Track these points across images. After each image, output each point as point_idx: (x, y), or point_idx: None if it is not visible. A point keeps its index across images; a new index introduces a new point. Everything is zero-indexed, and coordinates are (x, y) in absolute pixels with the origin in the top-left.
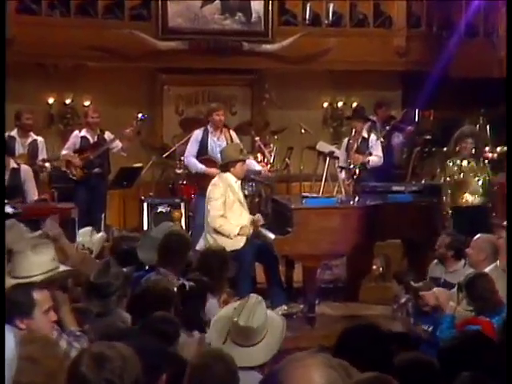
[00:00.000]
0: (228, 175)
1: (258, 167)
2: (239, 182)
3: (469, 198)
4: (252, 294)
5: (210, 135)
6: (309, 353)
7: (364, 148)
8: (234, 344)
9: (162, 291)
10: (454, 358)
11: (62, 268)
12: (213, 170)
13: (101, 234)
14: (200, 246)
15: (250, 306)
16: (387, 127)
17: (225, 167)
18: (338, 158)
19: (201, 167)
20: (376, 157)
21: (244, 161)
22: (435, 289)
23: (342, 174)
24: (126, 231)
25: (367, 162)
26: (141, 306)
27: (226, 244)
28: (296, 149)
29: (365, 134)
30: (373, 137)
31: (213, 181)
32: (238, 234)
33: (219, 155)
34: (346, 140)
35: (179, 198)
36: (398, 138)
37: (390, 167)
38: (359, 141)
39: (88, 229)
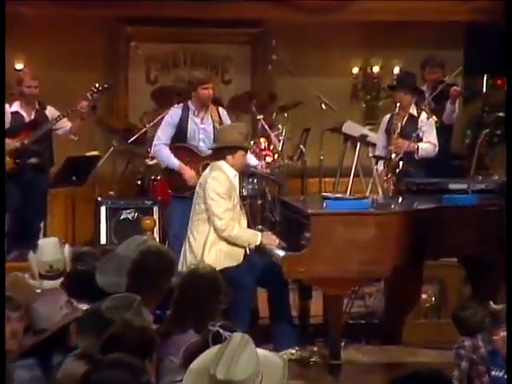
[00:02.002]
0: (225, 166)
1: (253, 160)
2: (237, 176)
3: None
4: (235, 334)
5: (191, 115)
6: None
7: (411, 131)
8: None
9: (136, 334)
10: None
11: None
12: (189, 172)
13: (67, 246)
14: (179, 266)
15: (232, 351)
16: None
17: (218, 154)
18: (373, 145)
19: (173, 162)
20: (428, 144)
21: (247, 151)
22: None
23: (379, 167)
24: (76, 246)
25: (416, 150)
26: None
27: (217, 262)
28: (314, 131)
29: (413, 111)
30: (424, 116)
31: (210, 172)
32: (260, 244)
33: (202, 144)
34: (385, 119)
35: (151, 199)
36: (452, 112)
37: (447, 157)
38: (404, 120)
39: (52, 240)
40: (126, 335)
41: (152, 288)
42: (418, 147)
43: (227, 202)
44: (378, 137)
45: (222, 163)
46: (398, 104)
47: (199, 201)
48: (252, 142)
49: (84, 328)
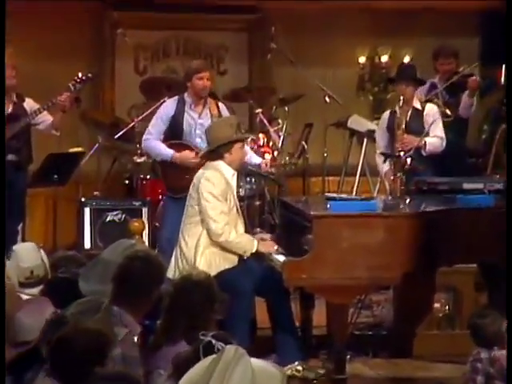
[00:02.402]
0: (222, 165)
1: (255, 158)
2: (236, 175)
3: None
4: (229, 347)
5: (187, 109)
6: None
7: (416, 125)
8: None
9: (88, 338)
10: None
11: None
12: (187, 155)
13: (42, 251)
14: (170, 271)
15: (225, 364)
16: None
17: (214, 154)
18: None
19: (167, 153)
20: (435, 138)
21: (243, 141)
22: None
23: (386, 165)
24: (58, 251)
25: (423, 145)
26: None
27: (211, 265)
28: (317, 126)
29: (417, 105)
30: (430, 108)
31: (204, 172)
32: (257, 251)
33: (199, 140)
34: (384, 116)
35: (140, 200)
36: (469, 106)
37: (461, 153)
38: (408, 115)
39: (29, 245)
40: (76, 338)
41: (139, 296)
42: (425, 142)
43: (223, 205)
44: (378, 135)
45: (218, 163)
46: (401, 97)
47: (192, 202)
48: (250, 139)
49: (48, 337)
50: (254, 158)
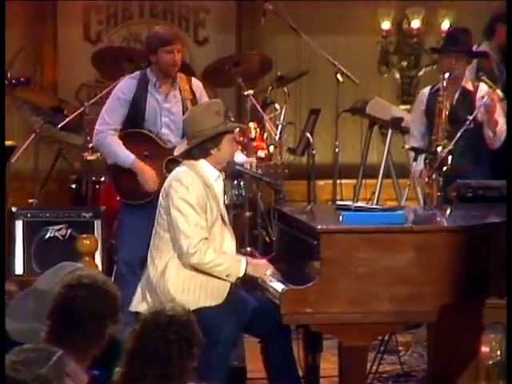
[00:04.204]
0: (203, 165)
1: (239, 156)
2: (222, 178)
3: None
4: None
5: (150, 89)
6: None
7: (465, 112)
8: None
9: None
10: None
11: None
12: (148, 173)
13: None
14: (137, 304)
15: None
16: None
17: (197, 152)
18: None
19: (125, 157)
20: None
21: (232, 132)
22: None
23: (418, 164)
24: None
25: (493, 136)
26: None
27: (186, 298)
28: (326, 113)
29: (467, 85)
30: (484, 89)
31: (177, 173)
32: (244, 274)
33: (165, 131)
34: (422, 95)
35: (91, 210)
36: None
37: None
38: (456, 97)
39: None
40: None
41: (85, 336)
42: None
43: (200, 216)
44: (412, 121)
45: (199, 162)
46: (446, 74)
47: (163, 213)
48: (237, 130)
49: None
50: (237, 156)
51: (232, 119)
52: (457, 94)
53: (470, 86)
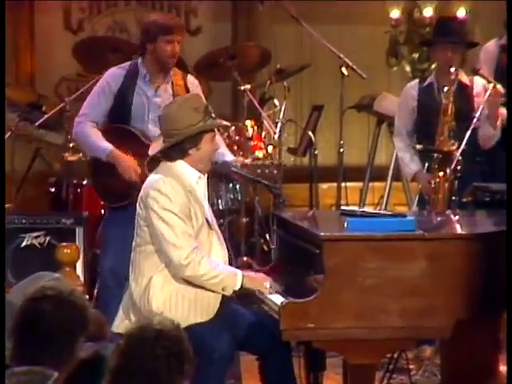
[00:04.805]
0: (181, 166)
1: (227, 155)
2: (204, 180)
3: None
4: None
5: (140, 82)
6: None
7: (466, 108)
8: None
9: None
10: None
11: None
12: (128, 161)
13: None
14: (120, 323)
15: None
16: None
17: (174, 152)
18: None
19: (103, 147)
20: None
21: (213, 131)
22: None
23: (415, 165)
24: None
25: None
26: None
27: (174, 314)
28: (330, 110)
29: (463, 78)
30: (479, 83)
31: (154, 180)
32: (241, 288)
33: (153, 127)
34: (411, 86)
35: (73, 215)
36: None
37: None
38: (452, 90)
39: None
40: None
41: (52, 355)
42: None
43: (186, 224)
44: (398, 118)
45: (176, 164)
46: (452, 69)
47: (142, 224)
48: (232, 128)
49: None
50: (225, 156)
51: (213, 115)
52: (453, 87)
53: (465, 80)
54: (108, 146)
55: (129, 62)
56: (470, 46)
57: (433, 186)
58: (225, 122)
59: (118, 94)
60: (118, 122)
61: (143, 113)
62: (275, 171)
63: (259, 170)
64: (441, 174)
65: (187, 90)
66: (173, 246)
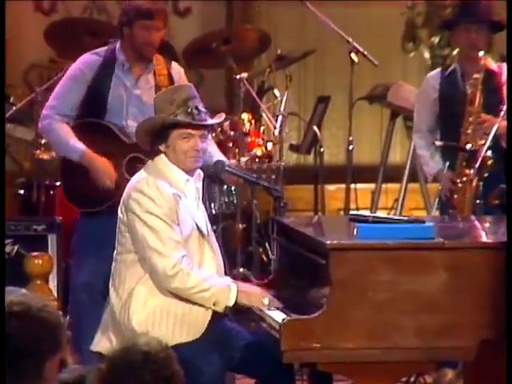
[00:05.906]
0: (166, 165)
1: (216, 154)
2: (196, 180)
3: None
4: None
5: (118, 71)
6: None
7: (494, 98)
8: None
9: None
10: None
11: None
12: (103, 164)
13: None
14: (99, 341)
15: None
16: None
17: (153, 146)
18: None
19: (75, 147)
20: None
21: (188, 127)
22: None
23: (437, 165)
24: None
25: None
26: None
27: (157, 333)
28: (338, 101)
29: (491, 65)
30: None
31: (137, 181)
32: (235, 304)
33: (132, 122)
34: (432, 75)
35: (44, 221)
36: None
37: None
38: (479, 80)
39: None
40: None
41: (18, 379)
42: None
43: (173, 229)
44: (417, 113)
45: (160, 162)
46: (481, 53)
47: (123, 231)
48: (227, 122)
49: None
50: (213, 157)
51: (192, 111)
52: (481, 77)
53: (493, 66)
54: (80, 146)
55: (105, 48)
56: (496, 29)
57: (458, 186)
58: (209, 122)
59: (92, 84)
60: (92, 116)
61: (121, 106)
62: (273, 176)
63: (254, 175)
64: (467, 172)
65: (171, 79)
66: (158, 253)
